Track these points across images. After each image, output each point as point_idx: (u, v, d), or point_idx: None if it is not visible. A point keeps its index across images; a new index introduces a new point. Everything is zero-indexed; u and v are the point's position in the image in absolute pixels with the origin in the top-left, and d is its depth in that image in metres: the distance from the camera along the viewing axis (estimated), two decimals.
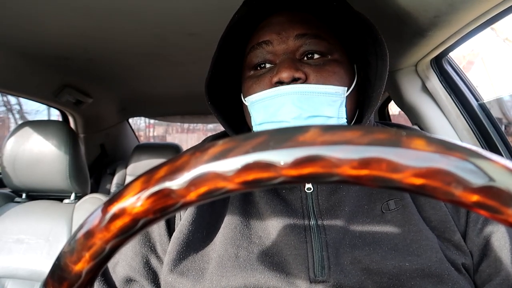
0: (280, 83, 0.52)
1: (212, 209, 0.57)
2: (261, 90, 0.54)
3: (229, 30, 0.56)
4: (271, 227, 0.52)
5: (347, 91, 0.53)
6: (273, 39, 0.55)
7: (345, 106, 0.53)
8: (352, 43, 0.60)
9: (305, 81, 0.52)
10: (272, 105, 0.52)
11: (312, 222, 0.51)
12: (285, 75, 0.51)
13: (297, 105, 0.50)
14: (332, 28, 0.57)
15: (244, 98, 0.58)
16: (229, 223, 0.54)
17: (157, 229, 0.57)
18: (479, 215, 0.52)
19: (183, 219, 0.55)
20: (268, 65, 0.56)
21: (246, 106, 0.57)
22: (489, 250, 0.51)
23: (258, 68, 0.57)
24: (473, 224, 0.53)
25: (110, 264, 0.58)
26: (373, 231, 0.51)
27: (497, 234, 0.51)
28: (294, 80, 0.51)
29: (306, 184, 0.54)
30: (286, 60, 0.53)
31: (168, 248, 0.54)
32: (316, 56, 0.54)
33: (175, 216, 0.58)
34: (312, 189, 0.54)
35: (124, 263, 0.56)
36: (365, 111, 0.56)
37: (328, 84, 0.52)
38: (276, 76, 0.52)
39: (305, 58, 0.54)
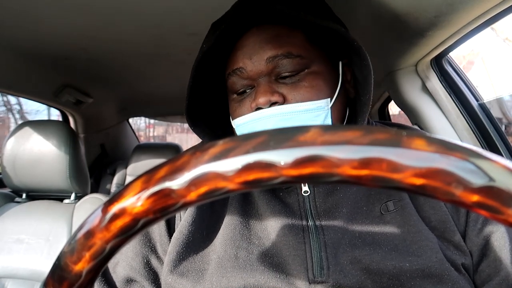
0: (260, 107, 0.52)
1: (211, 210, 0.57)
2: (244, 113, 0.54)
3: (202, 57, 0.56)
4: (270, 228, 0.52)
5: (331, 101, 0.53)
6: (246, 65, 0.54)
7: (331, 117, 0.52)
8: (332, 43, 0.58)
9: (284, 101, 0.52)
10: (257, 128, 0.52)
11: (310, 223, 0.52)
12: (262, 100, 0.51)
13: (280, 126, 0.49)
14: (307, 32, 0.55)
15: (231, 119, 0.59)
16: (229, 223, 0.54)
17: (158, 230, 0.57)
18: (479, 215, 0.52)
19: (183, 219, 0.56)
20: (248, 90, 0.56)
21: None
22: (488, 250, 0.51)
23: (240, 92, 0.57)
24: (473, 224, 0.52)
25: (110, 264, 0.58)
26: (372, 232, 0.51)
27: (497, 234, 0.51)
28: (273, 104, 0.51)
29: (303, 187, 0.54)
30: (262, 85, 0.53)
31: (168, 248, 0.54)
32: (291, 74, 0.53)
33: (175, 217, 0.58)
34: (309, 192, 0.54)
35: (124, 264, 0.56)
36: (358, 112, 0.56)
37: (307, 100, 0.51)
38: (254, 102, 0.52)
39: (281, 78, 0.53)
